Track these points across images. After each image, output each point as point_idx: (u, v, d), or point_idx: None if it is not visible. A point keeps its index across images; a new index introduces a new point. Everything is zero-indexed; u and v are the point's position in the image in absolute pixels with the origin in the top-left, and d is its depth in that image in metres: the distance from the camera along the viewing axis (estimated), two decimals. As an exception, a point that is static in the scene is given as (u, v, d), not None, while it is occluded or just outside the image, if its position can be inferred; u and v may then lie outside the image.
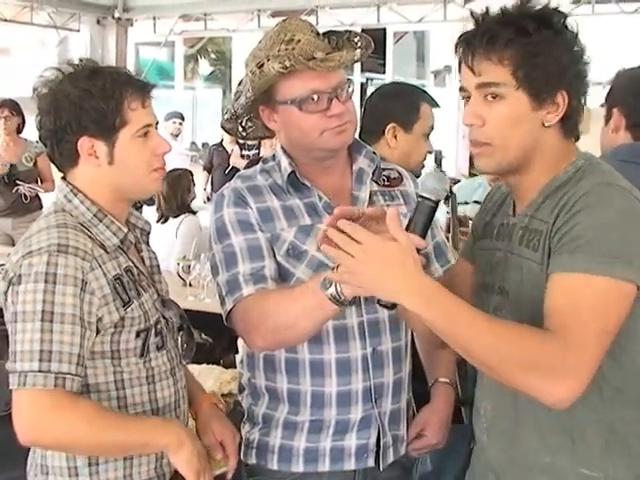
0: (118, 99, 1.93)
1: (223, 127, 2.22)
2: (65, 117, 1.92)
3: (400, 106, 2.93)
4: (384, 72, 14.01)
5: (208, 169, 9.56)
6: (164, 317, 2.09)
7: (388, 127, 2.89)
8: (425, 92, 3.10)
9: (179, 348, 2.18)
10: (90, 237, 1.92)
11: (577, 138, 1.77)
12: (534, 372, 1.54)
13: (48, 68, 1.99)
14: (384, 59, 13.61)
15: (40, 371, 1.77)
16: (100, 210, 1.98)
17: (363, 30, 8.99)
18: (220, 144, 9.20)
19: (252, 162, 6.16)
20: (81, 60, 2.02)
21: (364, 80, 15.42)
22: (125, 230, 2.01)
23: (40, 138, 2.01)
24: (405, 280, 1.56)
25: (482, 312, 1.60)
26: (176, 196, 5.72)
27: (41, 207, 6.94)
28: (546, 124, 1.68)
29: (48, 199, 6.57)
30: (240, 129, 2.21)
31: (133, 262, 2.03)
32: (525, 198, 1.78)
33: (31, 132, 6.73)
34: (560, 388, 1.53)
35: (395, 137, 2.90)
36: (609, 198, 1.61)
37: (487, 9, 1.69)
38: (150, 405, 2.00)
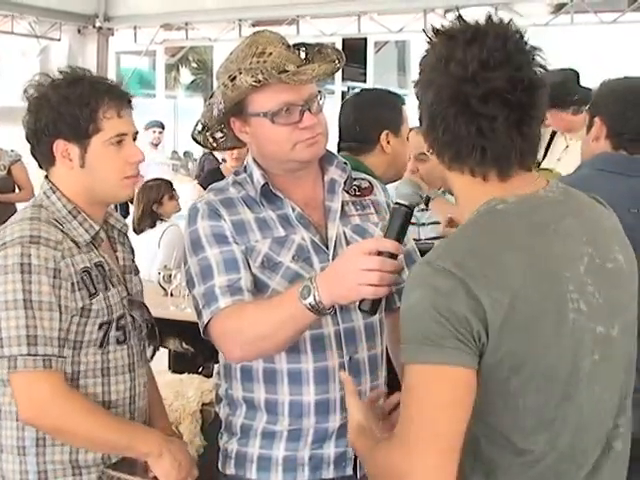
0: (93, 107, 2.05)
1: (194, 139, 2.23)
2: (44, 120, 2.07)
3: (390, 112, 3.03)
4: (365, 81, 14.05)
5: (198, 177, 9.49)
6: (131, 315, 2.17)
7: (382, 135, 2.96)
8: (397, 94, 3.22)
9: (143, 347, 2.24)
10: (62, 231, 2.04)
11: (476, 175, 1.54)
12: None
13: (39, 74, 2.13)
14: (365, 68, 13.65)
15: (29, 354, 1.90)
16: (75, 207, 2.10)
17: (344, 40, 9.04)
18: (210, 152, 9.13)
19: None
20: (70, 67, 2.17)
21: (345, 89, 15.46)
22: (97, 228, 2.12)
23: (26, 136, 2.14)
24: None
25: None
26: (143, 207, 5.73)
27: None
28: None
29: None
30: (211, 140, 2.22)
31: (105, 258, 2.13)
32: None
33: (8, 142, 6.72)
34: None
35: (388, 142, 2.98)
36: (415, 281, 1.48)
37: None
38: (102, 397, 2.09)
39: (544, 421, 1.48)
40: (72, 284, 2.00)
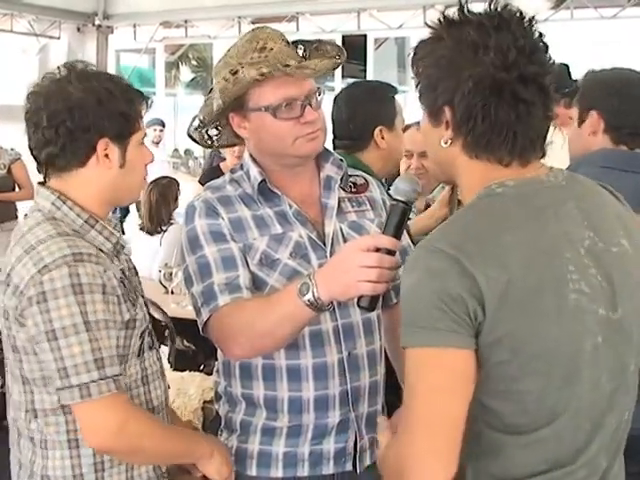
0: (136, 104, 1.95)
1: (190, 136, 2.23)
2: (91, 116, 1.87)
3: (382, 107, 2.98)
4: (365, 78, 14.04)
5: None
6: (150, 316, 2.11)
7: (376, 131, 2.93)
8: (389, 85, 3.15)
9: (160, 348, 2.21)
10: (90, 243, 1.91)
11: (504, 162, 1.52)
12: None
13: (59, 67, 1.94)
14: (365, 65, 13.63)
15: (100, 379, 1.80)
16: (91, 216, 1.95)
17: (344, 36, 9.02)
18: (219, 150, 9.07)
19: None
20: (77, 62, 1.98)
21: (345, 86, 15.44)
22: (117, 235, 2.01)
23: (44, 135, 1.90)
24: None
25: None
26: (167, 205, 5.68)
27: (17, 216, 6.82)
28: (440, 142, 1.55)
29: (26, 207, 6.52)
30: (206, 137, 2.22)
31: (123, 264, 2.04)
32: None
33: (8, 140, 6.71)
34: None
35: (383, 138, 2.95)
36: (412, 264, 1.48)
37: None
38: (147, 405, 2.03)
39: (546, 405, 1.47)
40: (117, 297, 1.89)
